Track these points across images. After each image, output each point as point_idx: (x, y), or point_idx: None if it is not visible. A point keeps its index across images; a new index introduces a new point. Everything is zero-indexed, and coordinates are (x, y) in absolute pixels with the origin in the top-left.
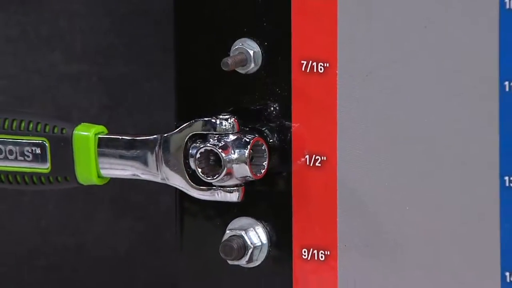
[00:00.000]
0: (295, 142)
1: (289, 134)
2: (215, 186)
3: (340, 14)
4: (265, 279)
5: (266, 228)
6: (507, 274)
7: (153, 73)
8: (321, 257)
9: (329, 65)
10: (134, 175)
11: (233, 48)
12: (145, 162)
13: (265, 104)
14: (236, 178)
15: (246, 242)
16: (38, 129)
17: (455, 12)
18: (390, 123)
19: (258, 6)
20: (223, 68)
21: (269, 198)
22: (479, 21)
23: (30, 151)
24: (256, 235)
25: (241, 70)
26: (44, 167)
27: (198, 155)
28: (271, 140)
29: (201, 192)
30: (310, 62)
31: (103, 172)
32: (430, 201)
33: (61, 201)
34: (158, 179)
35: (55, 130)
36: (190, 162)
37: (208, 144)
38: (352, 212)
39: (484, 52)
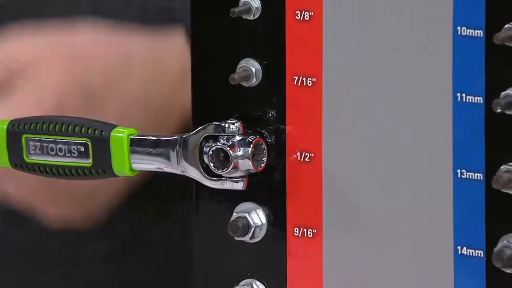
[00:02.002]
0: (289, 141)
1: (284, 135)
2: (224, 177)
3: (325, 39)
4: (264, 252)
5: (265, 211)
6: (459, 247)
7: None
8: (310, 234)
9: (316, 80)
10: (159, 168)
11: (238, 66)
12: (168, 158)
13: (265, 111)
14: (241, 171)
15: (249, 222)
16: (82, 131)
17: (418, 37)
18: (365, 126)
19: (259, 33)
20: (230, 82)
21: (268, 187)
22: (436, 44)
23: (75, 149)
24: (257, 217)
25: (245, 84)
26: (87, 162)
27: (210, 152)
28: (269, 140)
29: (213, 182)
30: (301, 77)
31: (134, 166)
32: (397, 189)
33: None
34: (178, 172)
35: (96, 132)
36: (204, 158)
37: (219, 144)
38: (335, 198)
39: (441, 69)
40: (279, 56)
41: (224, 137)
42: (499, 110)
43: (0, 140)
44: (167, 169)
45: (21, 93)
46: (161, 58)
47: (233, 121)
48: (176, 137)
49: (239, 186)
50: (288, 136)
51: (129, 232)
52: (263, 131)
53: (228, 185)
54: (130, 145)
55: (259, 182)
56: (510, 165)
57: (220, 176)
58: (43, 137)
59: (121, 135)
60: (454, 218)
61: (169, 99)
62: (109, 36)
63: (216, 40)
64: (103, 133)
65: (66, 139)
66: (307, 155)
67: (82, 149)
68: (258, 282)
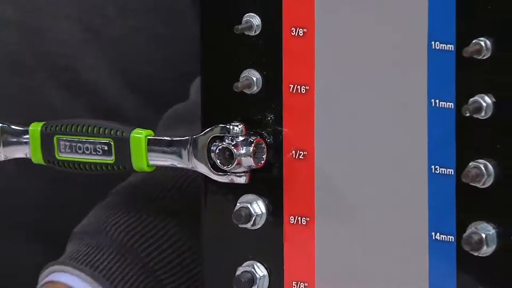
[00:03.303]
0: (285, 141)
1: (281, 136)
2: (229, 172)
3: (317, 53)
4: (264, 237)
5: (265, 202)
6: (433, 233)
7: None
8: (304, 222)
9: (309, 88)
10: (172, 164)
11: (241, 76)
12: (180, 156)
13: (264, 115)
14: (244, 167)
15: (251, 211)
16: (106, 132)
17: (397, 51)
18: (351, 128)
19: (259, 47)
20: (234, 90)
21: (267, 180)
22: (414, 57)
23: (100, 147)
24: (258, 207)
25: (247, 91)
26: (110, 159)
27: (217, 151)
28: (268, 140)
29: (219, 177)
30: (296, 85)
31: (151, 163)
32: (379, 183)
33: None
34: (189, 167)
35: (118, 133)
36: (212, 155)
37: (224, 143)
38: (325, 190)
39: (417, 79)
40: (277, 67)
41: (229, 138)
42: (467, 114)
43: (35, 140)
44: (180, 165)
45: None
46: None
47: (237, 124)
48: (187, 137)
49: (242, 180)
50: (284, 136)
51: None
52: (263, 132)
53: (232, 179)
54: (148, 145)
55: (259, 177)
56: (477, 162)
57: (226, 171)
58: (72, 138)
59: (139, 135)
60: (429, 207)
61: None
62: None
63: (222, 53)
64: (124, 134)
65: (92, 139)
66: (301, 153)
67: (106, 148)
68: (258, 264)
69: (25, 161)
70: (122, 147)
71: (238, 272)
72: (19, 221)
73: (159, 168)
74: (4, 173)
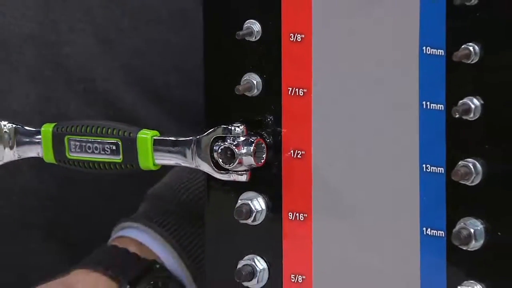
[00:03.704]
0: (284, 141)
1: (280, 136)
2: (230, 171)
3: (314, 57)
4: (264, 232)
5: (264, 199)
6: (424, 229)
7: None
8: (301, 218)
9: (306, 91)
10: (177, 163)
11: (243, 79)
12: (184, 155)
13: (264, 116)
14: (245, 166)
15: (251, 208)
16: (114, 133)
17: (390, 55)
18: (347, 129)
19: (260, 52)
20: (236, 93)
21: (267, 179)
22: (406, 61)
23: (108, 147)
24: (258, 203)
25: (248, 94)
26: (118, 158)
27: (219, 151)
28: (268, 140)
29: (221, 175)
30: (294, 88)
31: (157, 162)
32: (373, 181)
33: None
34: (193, 166)
35: (125, 134)
36: (214, 155)
37: (226, 143)
38: (322, 187)
39: (409, 82)
40: (276, 71)
41: (230, 138)
42: (457, 116)
43: (47, 140)
44: (184, 164)
45: None
46: None
47: (238, 125)
48: (191, 138)
49: (243, 178)
50: (283, 137)
51: None
52: (263, 132)
53: (234, 177)
54: (154, 145)
55: (259, 175)
56: (466, 161)
57: (227, 170)
58: (82, 138)
59: (146, 136)
60: (420, 204)
61: None
62: None
63: (224, 58)
64: (131, 134)
65: (101, 139)
66: (299, 153)
67: (114, 147)
68: (259, 257)
69: (38, 160)
70: (130, 147)
71: (239, 265)
72: (32, 221)
73: None
74: (18, 172)
